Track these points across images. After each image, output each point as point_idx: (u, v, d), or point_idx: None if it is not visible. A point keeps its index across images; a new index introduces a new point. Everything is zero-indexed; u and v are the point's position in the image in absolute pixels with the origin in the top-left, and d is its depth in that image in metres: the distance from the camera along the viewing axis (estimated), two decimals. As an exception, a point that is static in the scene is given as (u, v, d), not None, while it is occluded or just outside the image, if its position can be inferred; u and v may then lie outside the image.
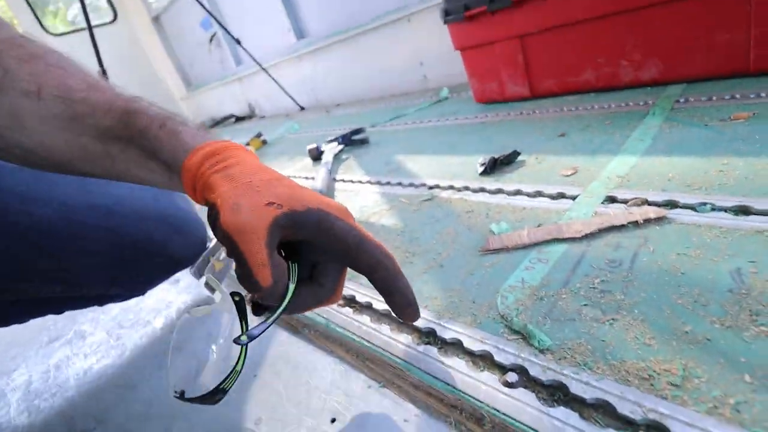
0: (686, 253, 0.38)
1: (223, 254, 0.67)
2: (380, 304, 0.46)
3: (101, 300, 0.60)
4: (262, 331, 0.32)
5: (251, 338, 0.32)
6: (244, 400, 0.42)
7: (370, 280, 0.34)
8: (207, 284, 0.61)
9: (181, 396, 0.35)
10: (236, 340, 0.31)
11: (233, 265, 0.70)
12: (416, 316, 0.36)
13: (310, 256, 0.35)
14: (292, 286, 0.33)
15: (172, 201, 0.63)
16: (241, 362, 0.34)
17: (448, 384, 0.34)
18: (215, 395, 0.35)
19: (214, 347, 0.49)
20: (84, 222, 0.53)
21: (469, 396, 0.32)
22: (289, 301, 0.33)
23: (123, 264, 0.57)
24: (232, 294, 0.35)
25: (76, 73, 0.33)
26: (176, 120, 0.33)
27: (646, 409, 0.27)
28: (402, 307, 0.35)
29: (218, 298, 0.52)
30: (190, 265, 0.66)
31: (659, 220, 0.44)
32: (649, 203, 0.47)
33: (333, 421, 0.36)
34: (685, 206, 0.45)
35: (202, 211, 0.88)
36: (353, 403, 0.37)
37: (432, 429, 0.33)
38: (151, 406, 0.47)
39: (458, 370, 0.35)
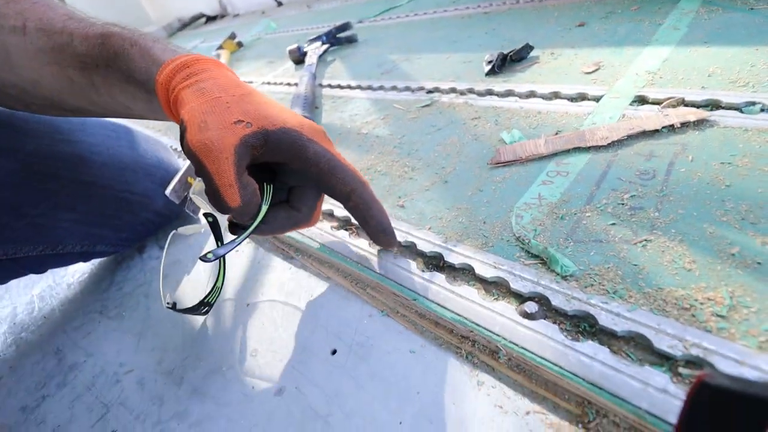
0: (731, 162, 0.33)
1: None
2: (379, 226, 0.41)
3: (85, 256, 0.56)
4: (229, 251, 0.31)
5: (216, 257, 0.31)
6: (238, 330, 0.40)
7: (345, 208, 0.33)
8: (190, 204, 0.56)
9: (173, 307, 0.38)
10: (202, 257, 0.30)
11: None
12: (392, 243, 0.36)
13: (286, 179, 0.33)
14: (264, 207, 0.32)
15: (151, 150, 0.60)
16: (221, 279, 0.37)
17: (459, 315, 0.31)
18: (201, 308, 0.37)
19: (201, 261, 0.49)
20: (54, 174, 0.48)
21: (483, 328, 0.29)
22: (260, 222, 0.31)
23: (103, 220, 0.54)
24: (206, 215, 0.36)
25: (57, 8, 0.34)
26: (147, 38, 0.32)
27: (688, 343, 0.24)
28: (376, 234, 0.35)
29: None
30: (176, 217, 0.62)
31: (699, 123, 0.38)
32: (687, 104, 0.41)
33: (334, 352, 0.34)
34: (729, 107, 0.39)
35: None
36: (354, 333, 0.35)
37: (441, 361, 0.30)
38: (141, 337, 0.45)
39: (470, 299, 0.31)
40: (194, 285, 0.47)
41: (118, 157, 0.54)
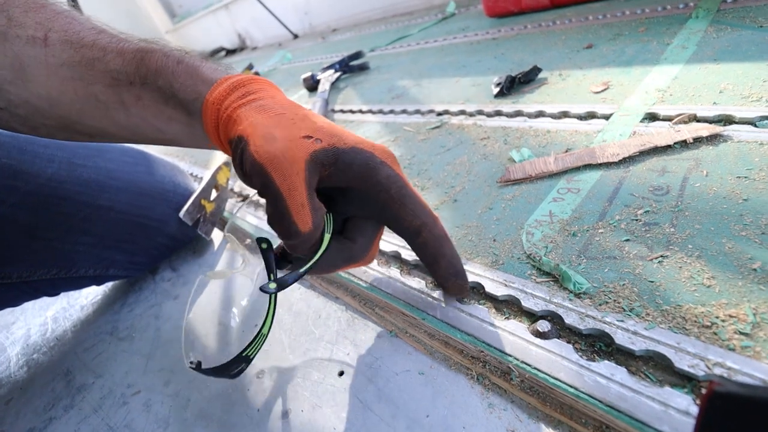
0: (748, 175, 0.32)
1: (213, 195, 0.62)
2: (388, 245, 0.41)
3: (99, 280, 0.56)
4: (295, 280, 0.27)
5: (282, 287, 0.26)
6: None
7: (411, 244, 0.30)
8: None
9: (198, 367, 0.31)
10: (263, 288, 0.26)
11: (225, 205, 0.65)
12: (464, 288, 0.31)
13: (345, 208, 0.30)
14: (327, 236, 0.28)
15: (168, 175, 0.60)
16: (268, 324, 0.29)
17: (469, 334, 0.30)
18: (237, 365, 0.30)
19: (235, 310, 0.44)
20: (74, 199, 0.49)
21: (494, 348, 0.28)
22: (324, 252, 0.27)
23: (118, 244, 0.54)
24: (259, 240, 0.30)
25: (83, 21, 0.31)
26: (194, 56, 0.30)
27: (710, 362, 0.22)
28: (447, 276, 0.31)
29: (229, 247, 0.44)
30: (189, 241, 0.62)
31: (712, 138, 0.37)
32: (699, 119, 0.40)
33: (341, 374, 0.33)
34: (743, 121, 0.38)
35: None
36: (362, 354, 0.34)
37: (451, 383, 0.29)
38: (150, 359, 0.44)
39: (480, 317, 0.30)
40: (220, 333, 0.42)
41: (135, 182, 0.55)
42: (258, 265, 0.39)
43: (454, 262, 0.30)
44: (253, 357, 0.29)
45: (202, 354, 0.41)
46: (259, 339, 0.29)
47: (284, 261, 0.29)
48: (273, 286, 0.26)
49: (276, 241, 0.32)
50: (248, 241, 0.55)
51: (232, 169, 0.65)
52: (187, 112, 0.29)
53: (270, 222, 0.26)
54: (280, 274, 0.28)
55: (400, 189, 0.28)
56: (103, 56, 0.29)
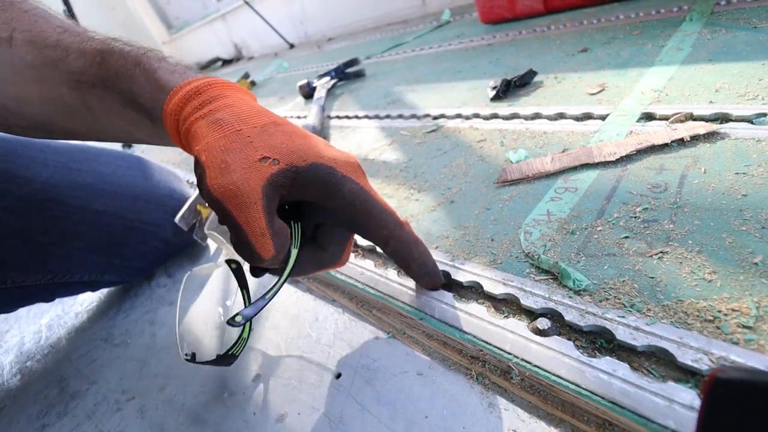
0: (746, 172, 0.32)
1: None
2: (385, 246, 0.40)
3: (94, 286, 0.56)
4: (259, 310, 0.28)
5: (246, 319, 0.27)
6: (240, 356, 0.39)
7: (383, 251, 0.31)
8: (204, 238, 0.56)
9: (192, 359, 0.34)
10: (230, 322, 0.26)
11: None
12: (437, 284, 0.33)
13: (314, 216, 0.30)
14: (294, 251, 0.28)
15: (164, 180, 0.60)
16: (247, 330, 0.31)
17: (467, 333, 0.29)
18: (224, 360, 0.32)
19: (220, 309, 0.45)
20: (67, 203, 0.48)
21: (493, 346, 0.28)
22: (291, 269, 0.28)
23: (113, 249, 0.53)
24: (228, 261, 0.31)
25: (51, 19, 0.30)
26: (152, 56, 0.29)
27: (714, 356, 0.22)
28: (419, 277, 0.32)
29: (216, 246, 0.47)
30: (186, 246, 0.62)
31: (709, 136, 0.37)
32: (695, 118, 0.40)
33: (338, 376, 0.32)
34: (740, 119, 0.38)
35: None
36: (359, 356, 0.33)
37: (450, 383, 0.29)
38: (144, 364, 0.44)
39: (479, 316, 0.30)
40: (211, 328, 0.44)
41: (130, 187, 0.54)
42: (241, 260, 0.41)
43: (425, 263, 0.31)
44: (239, 353, 0.31)
45: (195, 347, 0.42)
46: (240, 342, 0.31)
47: (259, 271, 0.29)
48: (239, 318, 0.27)
49: None
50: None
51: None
52: (150, 117, 0.29)
53: (234, 249, 0.26)
54: (256, 282, 0.29)
55: (365, 203, 0.27)
56: (66, 56, 0.28)
